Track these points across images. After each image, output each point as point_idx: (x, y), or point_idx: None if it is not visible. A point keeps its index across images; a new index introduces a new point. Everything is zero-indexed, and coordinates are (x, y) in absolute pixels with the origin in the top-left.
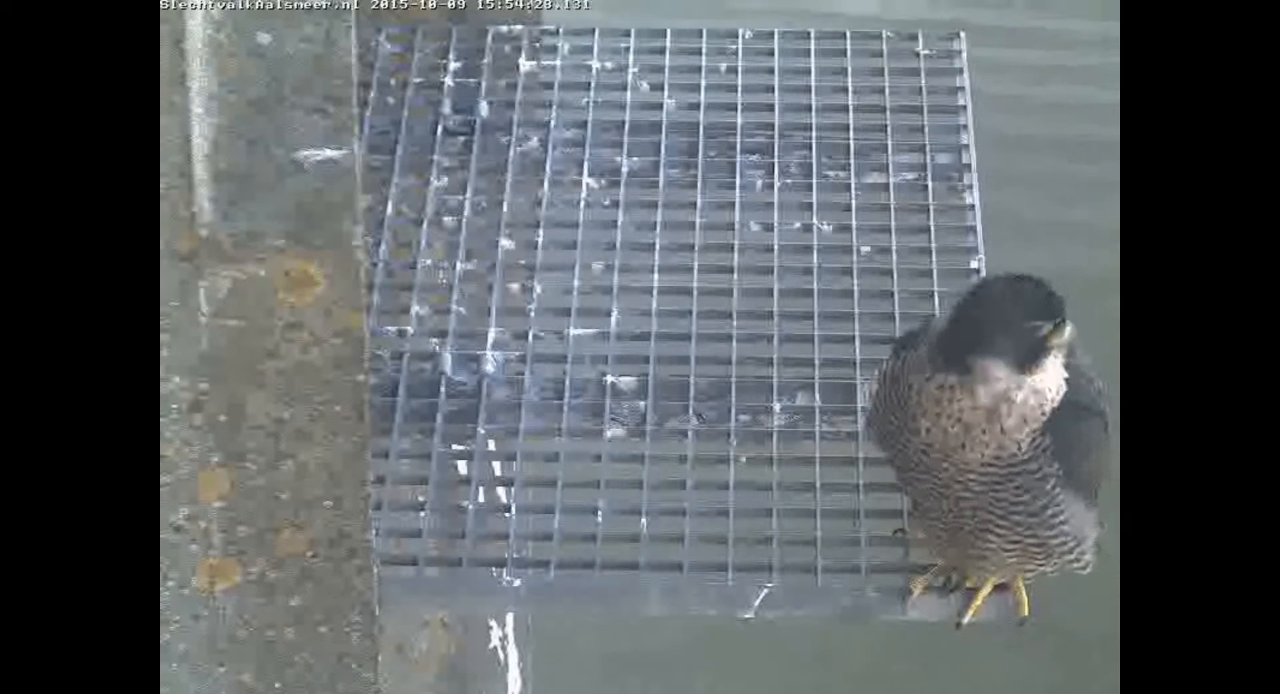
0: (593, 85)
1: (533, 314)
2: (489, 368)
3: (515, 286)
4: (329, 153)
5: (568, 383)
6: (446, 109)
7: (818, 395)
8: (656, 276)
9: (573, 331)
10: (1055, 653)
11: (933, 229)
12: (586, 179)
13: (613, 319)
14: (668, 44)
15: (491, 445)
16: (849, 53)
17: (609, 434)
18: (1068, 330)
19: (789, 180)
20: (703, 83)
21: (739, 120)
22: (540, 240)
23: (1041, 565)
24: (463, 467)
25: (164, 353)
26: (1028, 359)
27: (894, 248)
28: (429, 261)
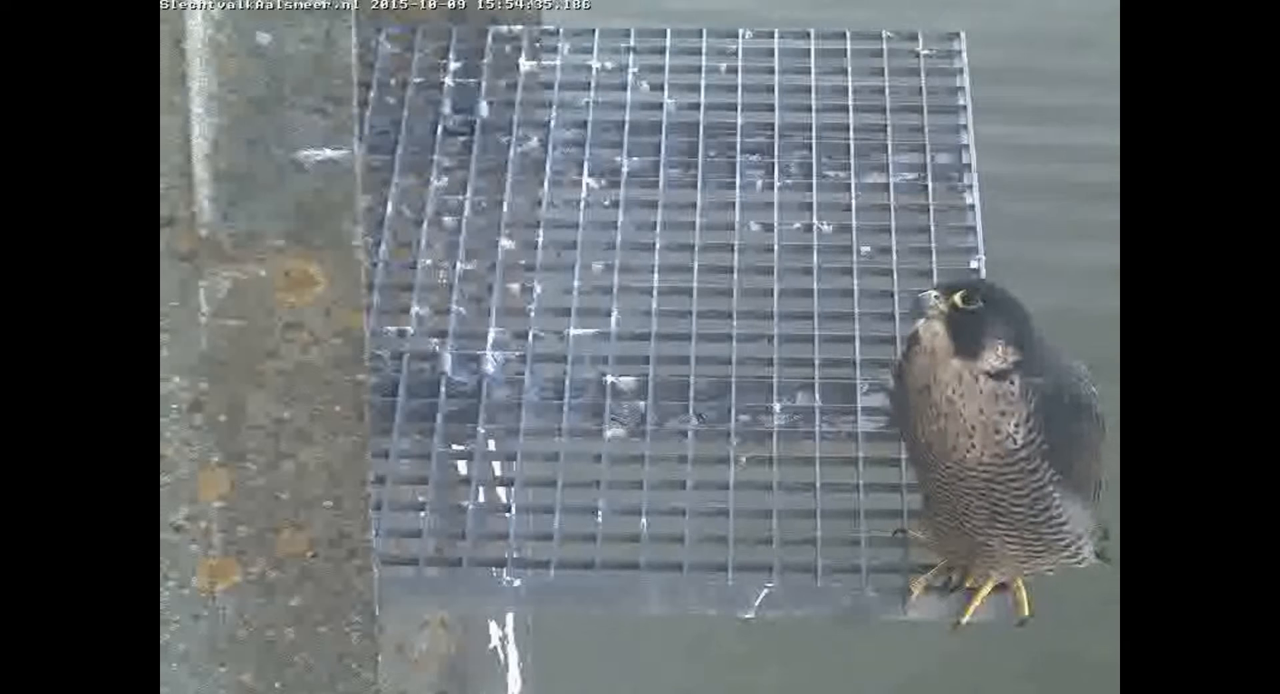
0: (593, 85)
1: (533, 314)
2: (489, 368)
3: (515, 286)
4: (329, 153)
5: (568, 383)
6: (446, 109)
7: (818, 395)
8: (656, 276)
9: (573, 331)
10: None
11: (933, 229)
12: (586, 179)
13: (613, 319)
14: (668, 44)
15: (491, 445)
16: (849, 53)
17: (609, 434)
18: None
19: (789, 180)
20: (703, 83)
21: (739, 120)
22: (540, 240)
23: (1041, 563)
24: (463, 467)
25: (164, 353)
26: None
27: (894, 248)
28: (429, 261)
